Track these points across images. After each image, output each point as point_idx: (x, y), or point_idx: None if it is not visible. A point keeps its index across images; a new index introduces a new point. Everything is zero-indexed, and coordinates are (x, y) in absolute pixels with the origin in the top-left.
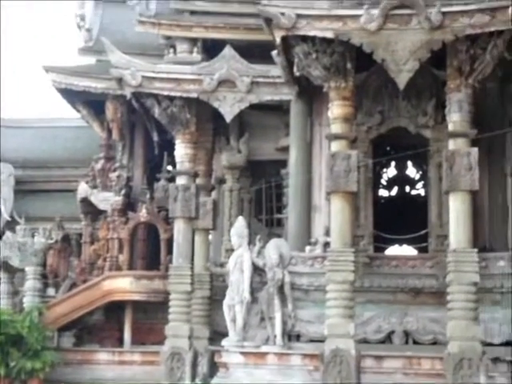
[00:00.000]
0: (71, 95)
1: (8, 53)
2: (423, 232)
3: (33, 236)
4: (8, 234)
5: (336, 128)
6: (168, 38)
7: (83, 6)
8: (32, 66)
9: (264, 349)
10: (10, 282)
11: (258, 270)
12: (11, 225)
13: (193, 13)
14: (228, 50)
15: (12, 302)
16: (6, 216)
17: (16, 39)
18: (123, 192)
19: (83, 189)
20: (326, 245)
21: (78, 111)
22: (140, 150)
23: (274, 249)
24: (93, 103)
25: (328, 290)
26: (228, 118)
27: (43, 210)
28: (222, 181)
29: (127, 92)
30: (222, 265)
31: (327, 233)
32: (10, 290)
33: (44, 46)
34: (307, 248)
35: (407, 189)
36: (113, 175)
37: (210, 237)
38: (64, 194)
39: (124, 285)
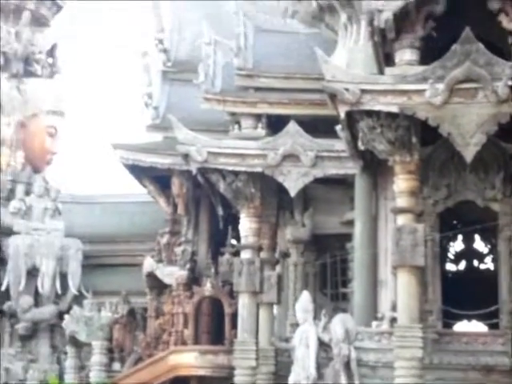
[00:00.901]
0: (138, 171)
1: (78, 130)
2: (494, 308)
3: (99, 310)
4: (75, 308)
5: (401, 202)
6: (233, 114)
7: (150, 84)
8: (100, 143)
9: None
10: (76, 356)
11: (323, 346)
12: (79, 299)
13: (257, 89)
14: (292, 125)
15: (78, 376)
16: (73, 290)
17: (85, 117)
18: (188, 266)
19: (149, 263)
20: (393, 320)
21: (145, 186)
22: (205, 224)
23: (339, 324)
24: (159, 179)
25: (396, 366)
26: (292, 193)
27: (110, 284)
28: (286, 255)
29: (193, 167)
30: (287, 340)
31: (394, 308)
32: (76, 364)
33: (112, 123)
34: (374, 323)
35: (475, 263)
36: (178, 249)
37: (275, 311)
38: (130, 268)
39: (189, 360)
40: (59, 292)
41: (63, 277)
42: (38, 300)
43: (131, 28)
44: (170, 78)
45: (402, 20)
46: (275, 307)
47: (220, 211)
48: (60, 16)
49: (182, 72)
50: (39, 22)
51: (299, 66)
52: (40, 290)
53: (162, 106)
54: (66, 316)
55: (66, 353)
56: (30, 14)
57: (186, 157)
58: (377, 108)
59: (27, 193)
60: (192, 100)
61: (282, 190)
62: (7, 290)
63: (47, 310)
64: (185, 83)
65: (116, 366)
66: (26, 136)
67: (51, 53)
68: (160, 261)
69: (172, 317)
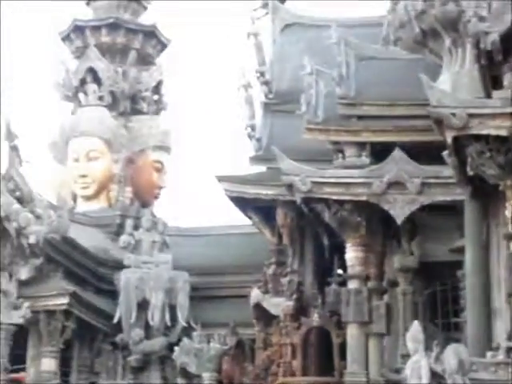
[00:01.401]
0: (243, 202)
1: (183, 164)
2: None
3: (208, 342)
4: (185, 340)
5: None
6: (336, 143)
7: (253, 117)
8: (205, 176)
9: None
10: None
11: (436, 377)
12: (188, 331)
13: (360, 117)
14: (397, 152)
15: None
16: (182, 322)
17: (189, 151)
18: (294, 297)
19: (256, 294)
20: (510, 350)
21: (250, 218)
22: (310, 254)
23: (452, 354)
24: (263, 209)
25: None
26: (399, 220)
27: (217, 315)
28: (394, 284)
29: (297, 198)
30: (398, 371)
31: (510, 337)
32: None
33: (216, 156)
34: (488, 354)
35: None
36: (284, 280)
37: (384, 341)
38: (237, 299)
39: None
40: (169, 324)
41: (172, 309)
42: (148, 332)
43: (232, 63)
44: (272, 109)
45: (509, 41)
46: (385, 337)
47: (325, 241)
48: (164, 54)
49: (284, 103)
50: (145, 60)
51: (402, 93)
52: (150, 322)
53: (264, 137)
54: (176, 348)
55: None
56: (135, 53)
57: (291, 187)
58: (485, 132)
59: (136, 227)
60: (294, 131)
61: (388, 218)
62: (119, 322)
63: (157, 342)
64: (287, 114)
65: None
66: (133, 171)
67: (157, 90)
68: (266, 292)
69: (280, 348)
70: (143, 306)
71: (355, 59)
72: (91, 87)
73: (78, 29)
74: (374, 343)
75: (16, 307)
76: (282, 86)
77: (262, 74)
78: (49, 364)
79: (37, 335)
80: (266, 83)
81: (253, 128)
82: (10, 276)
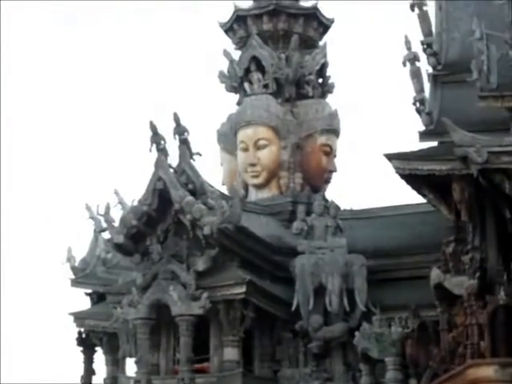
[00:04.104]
0: (415, 180)
1: (352, 146)
2: None
3: (389, 326)
4: (365, 324)
5: None
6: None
7: (421, 91)
8: (373, 155)
9: None
10: (370, 373)
11: None
12: (367, 315)
13: None
14: None
15: None
16: (361, 307)
17: (357, 132)
18: (478, 275)
19: (436, 274)
20: None
21: (424, 196)
22: (491, 228)
23: None
24: (437, 186)
25: None
26: None
27: (396, 298)
28: None
29: (473, 170)
30: None
31: None
32: (371, 381)
33: (383, 134)
34: None
35: None
36: (465, 258)
37: None
38: (416, 281)
39: (488, 373)
40: (347, 309)
41: (350, 293)
42: (327, 318)
43: (396, 36)
44: (442, 81)
45: None
46: None
47: (507, 214)
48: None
49: (454, 74)
50: (307, 43)
51: None
52: (328, 308)
53: (434, 110)
54: (356, 333)
55: (360, 370)
56: (297, 37)
57: (465, 160)
58: None
59: (308, 213)
60: (466, 102)
61: None
62: (297, 309)
63: (337, 328)
64: (457, 85)
65: (412, 382)
66: (302, 157)
67: (321, 72)
68: (447, 271)
69: (466, 329)
70: (320, 291)
71: None
72: (256, 76)
73: (240, 19)
74: None
75: (195, 298)
76: (451, 55)
77: (429, 45)
78: (231, 353)
79: (217, 325)
80: (434, 54)
81: (422, 102)
82: (188, 268)
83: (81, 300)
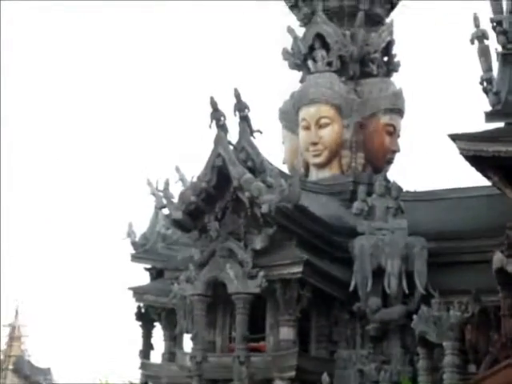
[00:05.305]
0: (480, 162)
1: (416, 126)
2: None
3: (448, 310)
4: (423, 308)
5: None
6: None
7: (489, 70)
8: (437, 136)
9: None
10: (428, 357)
11: None
12: (426, 298)
13: None
14: None
15: (432, 378)
16: (420, 289)
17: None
18: None
19: (498, 258)
20: None
21: (488, 178)
22: None
23: None
24: (503, 168)
25: None
26: None
27: (457, 282)
28: None
29: None
30: None
31: None
32: (428, 365)
33: (448, 113)
34: None
35: None
36: None
37: None
38: (478, 265)
39: None
40: (406, 292)
41: (409, 276)
42: (386, 300)
43: (465, 13)
44: (511, 60)
45: None
46: None
47: None
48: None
49: None
50: (373, 21)
51: None
52: (387, 290)
53: (503, 90)
54: (415, 316)
55: (417, 354)
56: (363, 14)
57: None
58: None
59: (369, 193)
60: None
61: None
62: (355, 290)
63: (396, 311)
64: None
65: (471, 368)
66: (365, 136)
67: (386, 51)
68: (510, 256)
69: None
70: (379, 273)
71: None
72: (320, 53)
73: None
74: None
75: (252, 277)
76: None
77: (499, 22)
78: (287, 333)
79: (274, 304)
80: (504, 32)
81: (489, 81)
82: (246, 246)
83: (140, 275)
